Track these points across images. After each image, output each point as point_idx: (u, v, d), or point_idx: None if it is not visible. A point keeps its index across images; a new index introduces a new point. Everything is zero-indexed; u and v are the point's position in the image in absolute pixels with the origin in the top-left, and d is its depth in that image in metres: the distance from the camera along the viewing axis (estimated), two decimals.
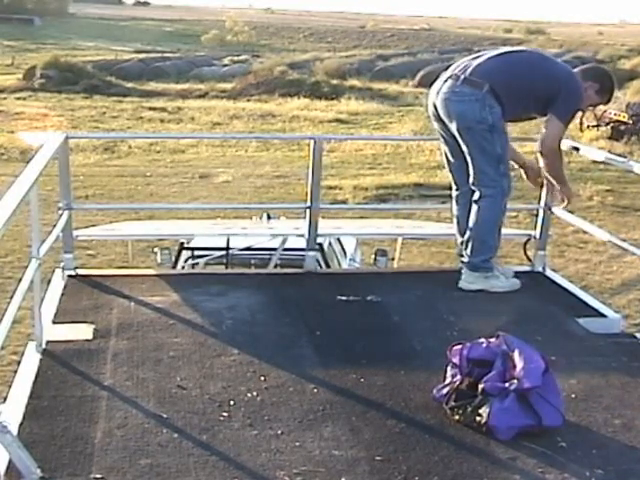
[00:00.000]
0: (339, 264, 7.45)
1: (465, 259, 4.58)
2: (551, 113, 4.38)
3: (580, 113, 4.64)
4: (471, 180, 4.47)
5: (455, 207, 4.71)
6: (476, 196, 4.48)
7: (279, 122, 24.18)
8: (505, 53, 4.60)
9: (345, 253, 7.99)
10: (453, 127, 4.41)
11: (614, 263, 11.27)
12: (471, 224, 4.52)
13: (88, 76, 31.31)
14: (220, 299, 4.29)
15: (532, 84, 4.39)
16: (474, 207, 4.50)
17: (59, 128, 19.91)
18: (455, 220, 4.73)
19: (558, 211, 4.91)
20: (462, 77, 4.37)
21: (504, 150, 4.41)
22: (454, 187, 4.69)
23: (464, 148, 4.43)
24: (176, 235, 7.28)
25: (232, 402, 3.14)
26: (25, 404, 3.07)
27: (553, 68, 4.51)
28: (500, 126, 4.37)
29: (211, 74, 36.46)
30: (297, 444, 2.86)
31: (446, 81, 4.43)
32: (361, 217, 8.59)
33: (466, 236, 4.57)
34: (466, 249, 4.57)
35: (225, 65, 40.84)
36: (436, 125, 4.58)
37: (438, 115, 4.49)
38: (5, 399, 3.21)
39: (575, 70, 4.56)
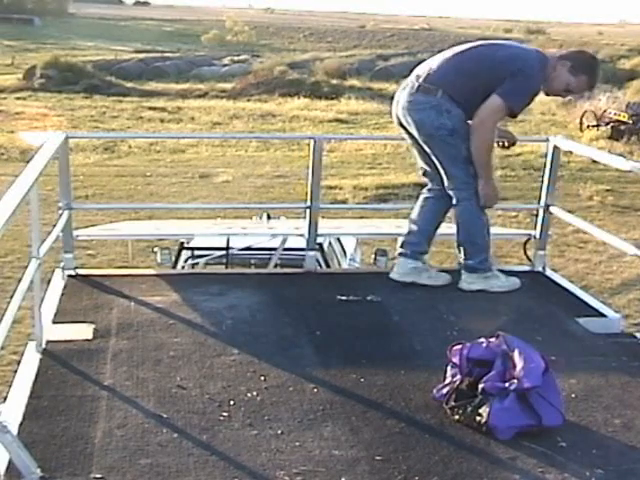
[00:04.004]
0: (339, 264, 7.46)
1: (462, 262, 4.59)
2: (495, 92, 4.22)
3: (565, 99, 4.52)
4: (446, 185, 4.47)
5: (419, 200, 4.68)
6: (454, 201, 4.49)
7: (279, 122, 24.17)
8: (457, 53, 4.45)
9: (345, 253, 8.00)
10: (416, 135, 4.43)
11: (614, 263, 11.27)
12: (457, 228, 4.55)
13: (88, 76, 31.27)
14: (220, 299, 4.28)
15: (484, 79, 4.25)
16: (454, 212, 4.52)
17: (59, 128, 19.87)
18: (415, 210, 4.68)
19: (558, 211, 4.91)
20: (416, 85, 4.37)
21: (470, 151, 4.34)
22: (426, 186, 4.67)
23: (431, 155, 4.44)
24: (176, 235, 7.29)
25: (232, 402, 3.14)
26: (25, 404, 3.07)
27: (498, 55, 4.35)
28: (462, 128, 4.30)
29: (211, 74, 36.43)
30: (297, 444, 2.86)
31: (404, 89, 4.44)
32: (361, 217, 8.58)
33: (457, 240, 4.59)
34: (460, 253, 4.58)
35: (225, 65, 40.80)
36: (403, 132, 4.58)
37: (402, 124, 4.50)
38: (5, 399, 3.21)
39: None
